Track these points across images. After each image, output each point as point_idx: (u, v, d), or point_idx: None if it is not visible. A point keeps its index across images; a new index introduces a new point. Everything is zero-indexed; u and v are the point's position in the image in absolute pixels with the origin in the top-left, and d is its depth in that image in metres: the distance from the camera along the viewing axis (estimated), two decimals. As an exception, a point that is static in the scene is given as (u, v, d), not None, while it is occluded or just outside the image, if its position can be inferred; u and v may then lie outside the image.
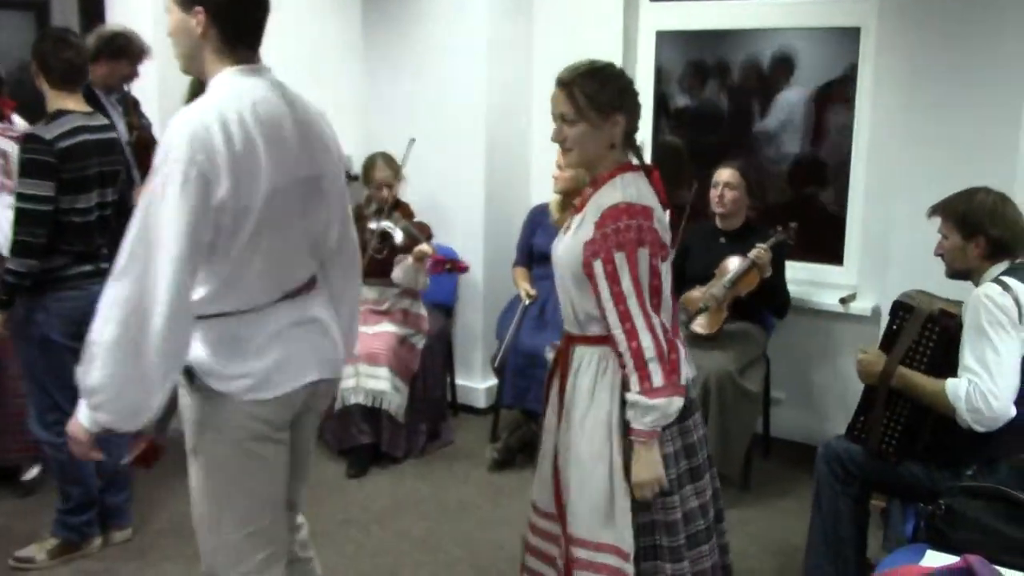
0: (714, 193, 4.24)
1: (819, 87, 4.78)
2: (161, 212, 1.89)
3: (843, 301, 4.32)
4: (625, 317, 2.25)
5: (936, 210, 2.97)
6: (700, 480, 2.49)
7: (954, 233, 2.89)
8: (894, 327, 2.96)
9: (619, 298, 2.26)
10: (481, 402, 5.01)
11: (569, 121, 2.38)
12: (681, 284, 4.29)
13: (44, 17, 7.32)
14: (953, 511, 2.49)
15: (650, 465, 2.32)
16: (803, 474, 4.10)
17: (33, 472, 4.02)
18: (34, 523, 3.66)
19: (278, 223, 2.07)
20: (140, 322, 1.89)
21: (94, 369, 1.92)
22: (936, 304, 2.92)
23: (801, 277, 4.49)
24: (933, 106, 4.02)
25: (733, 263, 4.13)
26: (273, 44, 5.46)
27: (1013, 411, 2.67)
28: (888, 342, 2.97)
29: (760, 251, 4.04)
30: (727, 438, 3.92)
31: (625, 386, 2.31)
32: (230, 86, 2.03)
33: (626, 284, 2.24)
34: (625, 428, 2.34)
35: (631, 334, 2.25)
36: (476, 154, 4.86)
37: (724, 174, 4.23)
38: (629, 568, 2.36)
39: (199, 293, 2.04)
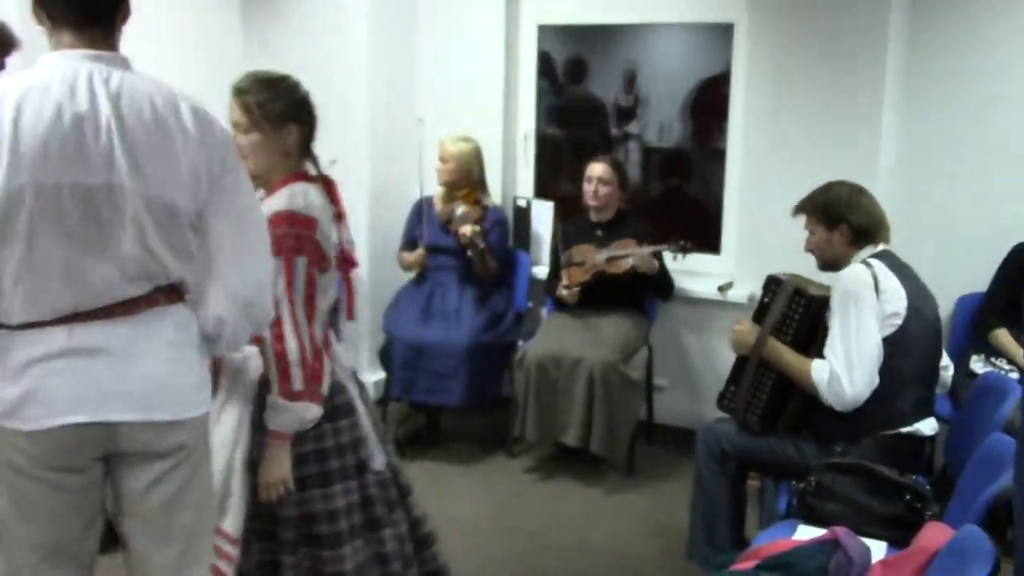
0: (588, 188, 4.37)
1: (698, 83, 4.92)
2: None
3: (721, 289, 4.47)
4: (275, 322, 2.24)
5: (800, 208, 3.12)
6: (363, 476, 2.56)
7: (819, 226, 3.05)
8: (765, 300, 3.13)
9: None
10: (369, 395, 4.99)
11: (243, 130, 2.41)
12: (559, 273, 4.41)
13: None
14: (822, 486, 2.63)
15: (278, 465, 2.36)
16: (685, 458, 4.21)
17: None
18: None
19: (35, 229, 1.82)
20: None
21: None
22: (807, 285, 3.07)
23: (681, 266, 4.61)
24: (799, 105, 4.22)
25: (631, 246, 4.24)
26: (150, 52, 5.28)
27: (867, 394, 2.83)
28: (760, 314, 3.13)
29: (646, 259, 4.17)
30: (613, 425, 4.02)
31: (267, 386, 2.34)
32: (30, 71, 1.86)
33: (279, 289, 2.25)
34: (258, 426, 2.39)
35: (278, 337, 2.25)
36: (360, 149, 4.83)
37: (597, 169, 4.36)
38: (235, 552, 2.40)
39: None
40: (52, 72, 1.84)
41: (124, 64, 1.92)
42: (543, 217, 4.87)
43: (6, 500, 1.95)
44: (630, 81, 5.57)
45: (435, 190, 4.61)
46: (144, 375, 1.93)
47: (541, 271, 4.71)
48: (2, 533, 1.97)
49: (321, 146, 4.75)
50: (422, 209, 4.60)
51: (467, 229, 4.27)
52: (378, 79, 4.86)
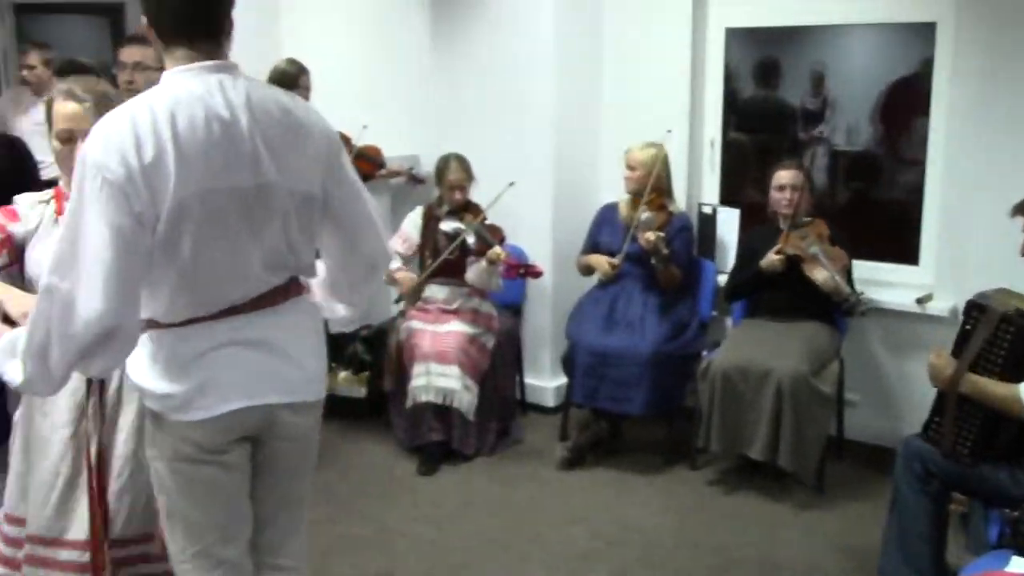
0: (779, 195, 4.24)
1: (889, 84, 4.70)
2: (83, 218, 1.84)
3: (920, 301, 4.25)
4: None
5: (1018, 209, 2.92)
6: None
7: None
8: (967, 327, 2.91)
9: None
10: (550, 401, 5.02)
11: None
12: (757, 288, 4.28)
13: (119, 21, 7.52)
14: (1041, 517, 2.45)
15: None
16: (877, 476, 4.05)
17: None
18: None
19: (200, 234, 1.93)
20: (62, 328, 1.85)
21: (16, 368, 1.95)
22: (1013, 303, 2.86)
23: (874, 276, 4.42)
24: (1010, 106, 3.96)
25: (840, 257, 4.16)
26: (344, 46, 5.53)
27: None
28: (960, 344, 2.91)
29: (835, 287, 4.05)
30: (801, 440, 3.88)
31: None
32: (162, 88, 1.94)
33: None
34: None
35: None
36: (545, 154, 4.87)
37: (787, 176, 4.23)
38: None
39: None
40: (186, 86, 1.93)
41: (240, 72, 2.03)
42: (729, 224, 4.77)
43: (176, 490, 2.10)
44: (818, 83, 5.41)
45: (621, 197, 4.59)
46: (296, 362, 2.14)
47: (726, 279, 4.61)
48: (174, 521, 2.14)
49: (504, 152, 4.87)
50: (607, 215, 4.58)
51: (650, 235, 4.22)
52: (564, 84, 4.87)
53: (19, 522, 2.52)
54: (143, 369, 2.06)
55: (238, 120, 1.94)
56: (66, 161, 2.37)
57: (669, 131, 4.48)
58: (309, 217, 2.10)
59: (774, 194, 4.28)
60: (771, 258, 4.16)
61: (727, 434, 4.01)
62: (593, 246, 4.63)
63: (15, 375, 1.94)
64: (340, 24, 5.75)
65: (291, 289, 2.14)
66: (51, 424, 2.46)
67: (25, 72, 5.11)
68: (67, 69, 4.13)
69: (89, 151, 1.85)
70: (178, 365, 2.02)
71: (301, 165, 2.04)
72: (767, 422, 3.89)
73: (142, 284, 1.93)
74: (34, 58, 5.10)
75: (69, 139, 2.39)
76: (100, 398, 2.40)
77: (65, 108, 2.40)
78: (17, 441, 2.54)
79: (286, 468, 2.24)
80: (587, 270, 4.62)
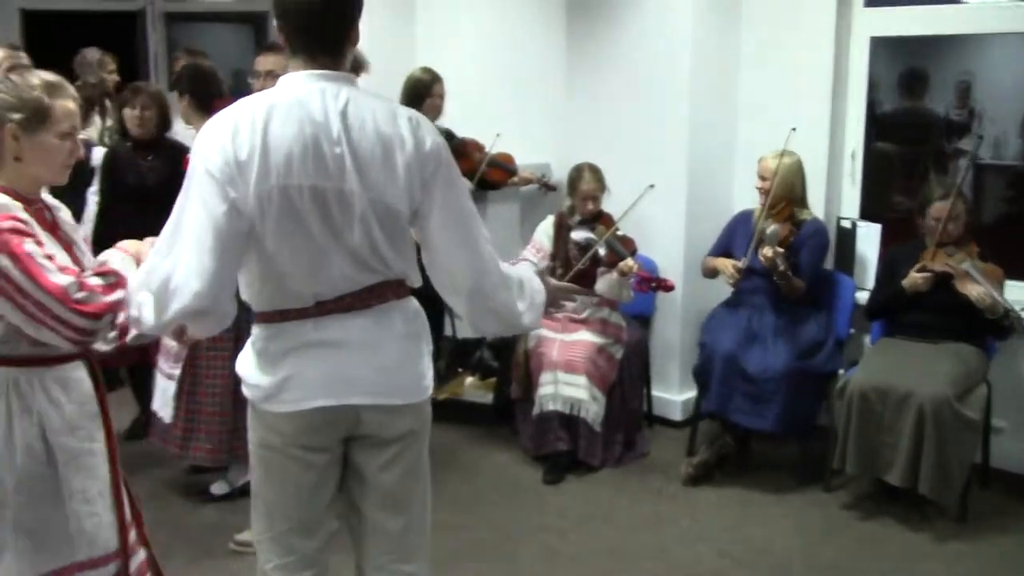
0: (934, 226, 4.03)
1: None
2: (187, 203, 2.02)
3: (1077, 325, 4.02)
4: None
5: None
6: None
7: None
8: None
9: None
10: (677, 415, 4.95)
11: None
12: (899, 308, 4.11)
13: (262, 30, 7.77)
14: None
15: None
16: (1026, 509, 3.86)
17: (223, 487, 4.04)
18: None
19: (280, 228, 2.04)
20: (158, 305, 2.02)
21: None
22: None
23: (1021, 297, 4.20)
24: None
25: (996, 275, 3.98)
26: (478, 53, 5.58)
27: None
28: None
29: (992, 304, 3.85)
30: (944, 466, 3.70)
31: None
32: (271, 90, 2.09)
33: None
34: None
35: None
36: (678, 164, 4.80)
37: (941, 209, 4.01)
38: None
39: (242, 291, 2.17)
40: (292, 90, 2.06)
41: (349, 81, 2.11)
42: (869, 239, 4.60)
43: (259, 475, 2.25)
44: (964, 94, 5.21)
45: (755, 205, 4.48)
46: (380, 364, 2.16)
47: (865, 296, 4.44)
48: (257, 503, 2.27)
49: (637, 162, 4.82)
50: (741, 222, 4.49)
51: (767, 251, 4.08)
52: (699, 92, 4.79)
53: None
54: (243, 358, 2.22)
55: (329, 126, 2.03)
56: None
57: (793, 129, 4.33)
58: (394, 228, 2.11)
59: (930, 223, 4.08)
60: (915, 277, 3.99)
61: (864, 457, 3.87)
62: (723, 250, 4.54)
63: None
64: (475, 33, 5.81)
65: (386, 291, 2.17)
66: None
67: (257, 80, 5.31)
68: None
69: (197, 143, 2.05)
70: (268, 358, 2.15)
71: (386, 179, 2.07)
72: (907, 446, 3.74)
73: (237, 270, 2.08)
74: (270, 62, 5.28)
75: None
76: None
77: None
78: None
79: (385, 471, 2.25)
80: (711, 272, 4.52)
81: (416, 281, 2.25)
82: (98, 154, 4.66)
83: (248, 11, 7.75)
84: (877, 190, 4.85)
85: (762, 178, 4.35)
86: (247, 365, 2.20)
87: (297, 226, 2.04)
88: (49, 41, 5.61)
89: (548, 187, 5.28)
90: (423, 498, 2.34)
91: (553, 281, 2.49)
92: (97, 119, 5.56)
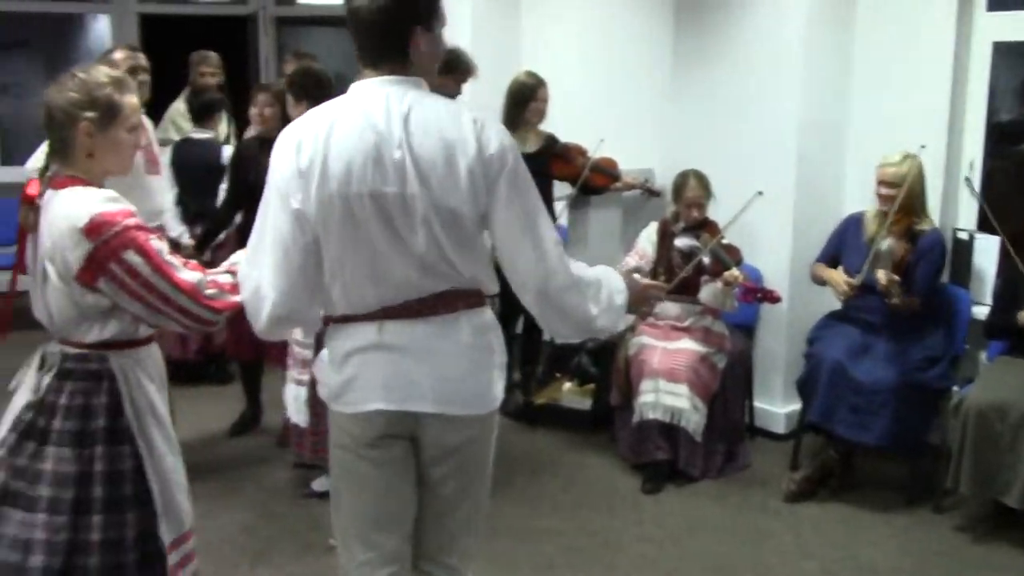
0: None
1: None
2: (265, 213, 2.13)
3: None
4: None
5: None
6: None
7: None
8: None
9: None
10: (780, 427, 4.83)
11: None
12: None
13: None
14: None
15: None
16: None
17: (324, 484, 4.01)
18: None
19: (343, 234, 2.08)
20: (251, 311, 2.19)
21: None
22: None
23: None
24: None
25: None
26: (583, 56, 5.56)
27: None
28: None
29: None
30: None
31: None
32: (340, 98, 2.15)
33: None
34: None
35: None
36: (786, 169, 4.69)
37: None
38: None
39: None
40: (358, 97, 2.11)
41: (416, 85, 2.12)
42: (987, 253, 4.42)
43: (337, 474, 2.31)
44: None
45: (869, 210, 4.32)
46: (442, 373, 2.15)
47: (982, 311, 4.27)
48: (337, 501, 2.32)
49: (743, 169, 4.72)
50: (850, 227, 4.34)
51: (883, 277, 3.92)
52: (810, 97, 4.68)
53: None
54: (319, 358, 2.29)
55: (391, 131, 2.04)
56: None
57: (923, 147, 4.19)
58: (461, 232, 2.10)
59: None
60: None
61: (980, 477, 3.71)
62: (832, 256, 4.40)
63: None
64: (580, 35, 5.79)
65: (456, 300, 2.16)
66: None
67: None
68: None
69: (272, 155, 2.13)
70: (336, 359, 2.20)
71: (449, 182, 2.06)
72: None
73: (311, 278, 2.14)
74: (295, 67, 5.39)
75: None
76: None
77: None
78: None
79: (442, 479, 2.27)
80: (821, 281, 4.38)
81: (491, 288, 2.24)
82: (227, 152, 4.79)
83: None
84: (996, 201, 4.65)
85: (888, 185, 4.13)
86: (320, 365, 2.27)
87: (358, 232, 2.07)
88: (165, 44, 5.77)
89: (652, 192, 5.23)
90: (478, 500, 2.35)
91: (639, 279, 2.45)
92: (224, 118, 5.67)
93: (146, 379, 2.36)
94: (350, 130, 2.05)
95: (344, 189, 2.04)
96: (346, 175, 2.04)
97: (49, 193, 2.26)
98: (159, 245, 2.22)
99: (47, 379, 2.31)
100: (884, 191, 4.14)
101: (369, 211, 2.05)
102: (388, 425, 2.19)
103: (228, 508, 3.95)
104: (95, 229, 2.14)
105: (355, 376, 2.17)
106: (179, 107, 5.80)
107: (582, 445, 4.71)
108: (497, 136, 2.10)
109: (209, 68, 5.69)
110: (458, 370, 2.17)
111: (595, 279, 2.24)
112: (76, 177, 2.26)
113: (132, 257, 2.16)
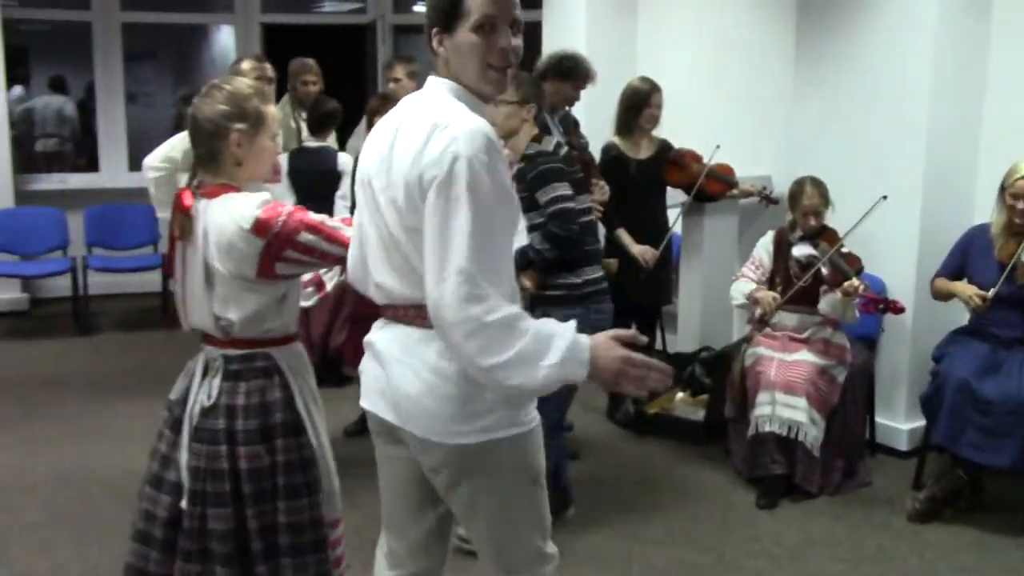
0: None
1: None
2: None
3: None
4: None
5: None
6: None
7: None
8: None
9: None
10: (903, 444, 4.66)
11: None
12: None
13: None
14: None
15: None
16: None
17: None
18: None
19: (366, 221, 2.11)
20: None
21: None
22: None
23: None
24: None
25: None
26: (699, 61, 5.48)
27: None
28: None
29: None
30: None
31: None
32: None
33: None
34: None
35: None
36: (912, 175, 4.50)
37: None
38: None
39: None
40: (413, 96, 2.12)
41: (450, 90, 2.03)
42: None
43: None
44: None
45: (996, 222, 4.11)
46: (401, 386, 2.04)
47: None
48: None
49: (866, 175, 4.56)
50: (977, 239, 4.13)
51: None
52: (939, 100, 4.48)
53: None
54: None
55: (395, 128, 2.03)
56: None
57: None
58: (408, 236, 1.98)
59: None
60: None
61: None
62: (955, 270, 4.19)
63: None
64: (698, 40, 5.72)
65: (421, 314, 1.98)
66: None
67: (391, 84, 5.49)
68: None
69: None
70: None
71: (399, 184, 1.97)
72: None
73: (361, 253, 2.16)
74: (399, 71, 5.46)
75: None
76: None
77: None
78: None
79: (453, 505, 2.14)
80: (945, 296, 4.19)
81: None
82: (343, 159, 4.89)
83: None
84: None
85: (1017, 196, 3.90)
86: None
87: (368, 225, 2.10)
88: (288, 53, 5.91)
89: (770, 200, 5.12)
90: (503, 543, 2.13)
91: (621, 352, 1.91)
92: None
93: (305, 371, 2.54)
94: (383, 126, 2.10)
95: (366, 176, 2.09)
96: (370, 164, 2.08)
97: (203, 203, 2.39)
98: (321, 216, 2.38)
99: (216, 382, 2.46)
100: (1017, 203, 3.90)
101: (372, 204, 2.07)
102: (375, 424, 2.20)
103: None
104: (263, 227, 2.30)
105: (363, 369, 2.21)
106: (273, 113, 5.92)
107: (694, 457, 4.63)
108: (445, 142, 1.88)
109: (312, 77, 5.77)
110: (416, 389, 2.02)
111: (520, 329, 1.86)
112: (227, 185, 2.42)
113: (305, 237, 2.32)
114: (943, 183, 4.56)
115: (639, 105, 4.73)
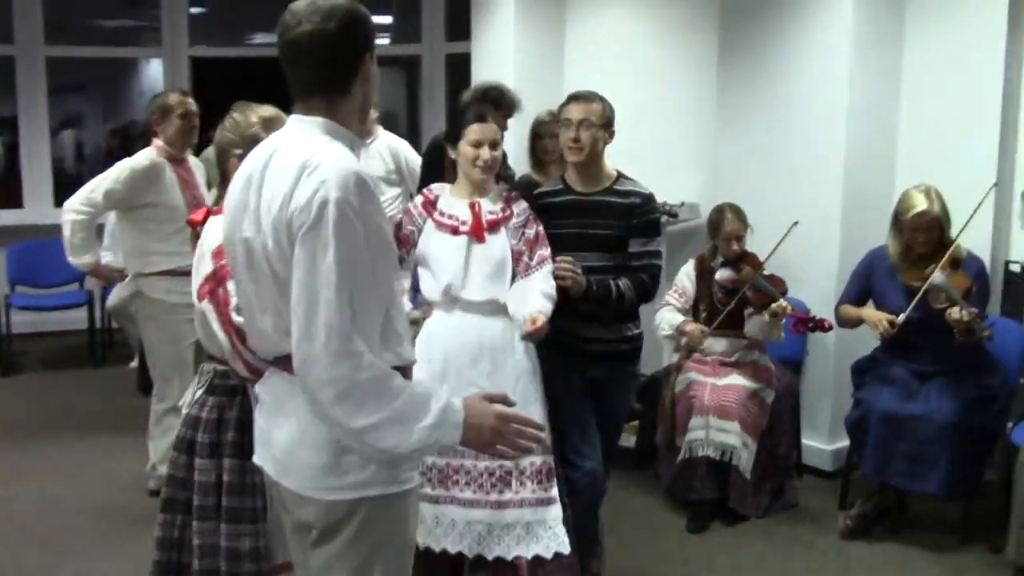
0: None
1: None
2: None
3: None
4: None
5: None
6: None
7: None
8: None
9: None
10: (828, 465, 4.73)
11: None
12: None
13: (415, 74, 7.99)
14: None
15: None
16: None
17: None
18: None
19: (235, 278, 2.04)
20: None
21: None
22: None
23: None
24: None
25: None
26: (628, 91, 5.53)
27: None
28: None
29: None
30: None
31: None
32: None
33: None
34: None
35: None
36: (832, 199, 4.62)
37: None
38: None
39: None
40: (274, 135, 1.99)
41: (322, 127, 1.88)
42: (1041, 284, 4.33)
43: None
44: None
45: (894, 249, 4.16)
46: (279, 438, 1.95)
47: (1036, 345, 4.16)
48: None
49: (788, 201, 4.65)
50: (878, 262, 4.20)
51: (962, 314, 3.71)
52: (856, 128, 4.62)
53: None
54: None
55: (260, 174, 1.88)
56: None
57: (995, 184, 4.04)
58: (280, 284, 1.85)
59: None
60: None
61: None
62: (859, 295, 4.26)
63: None
64: (624, 76, 5.77)
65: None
66: None
67: None
68: None
69: None
70: None
71: (269, 230, 1.82)
72: None
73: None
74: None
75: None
76: None
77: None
78: None
79: (315, 563, 1.96)
80: (852, 323, 4.24)
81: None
82: None
83: (403, 55, 7.97)
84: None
85: (926, 231, 3.96)
86: None
87: (238, 278, 2.00)
88: (218, 86, 5.88)
89: (669, 214, 5.04)
90: None
91: (495, 409, 1.87)
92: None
93: None
94: (243, 171, 1.95)
95: (228, 232, 1.96)
96: (229, 217, 1.96)
97: (211, 219, 2.59)
98: None
99: (199, 393, 2.67)
100: (923, 238, 3.97)
101: (240, 256, 1.92)
102: (269, 479, 2.06)
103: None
104: (219, 253, 2.42)
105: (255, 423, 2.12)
106: (211, 154, 5.87)
107: (626, 483, 4.64)
108: (315, 186, 1.75)
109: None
110: (293, 438, 1.91)
111: (390, 388, 1.77)
112: None
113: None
114: (861, 206, 4.68)
115: (534, 136, 4.60)
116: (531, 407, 3.12)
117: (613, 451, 3.64)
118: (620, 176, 3.48)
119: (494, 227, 3.24)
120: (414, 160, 5.23)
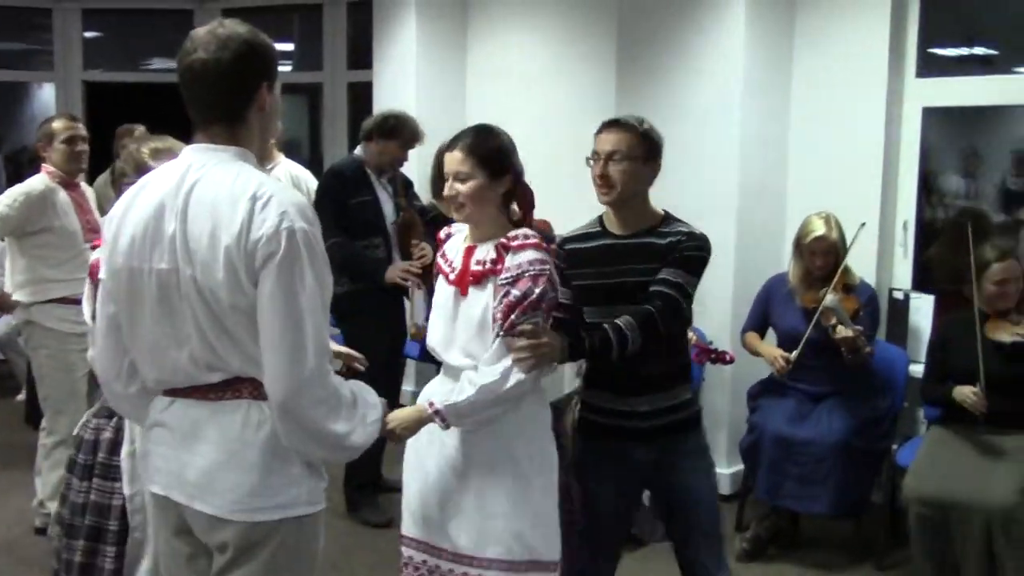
0: (993, 290, 3.79)
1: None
2: None
3: None
4: None
5: None
6: None
7: None
8: None
9: None
10: (725, 488, 4.82)
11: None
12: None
13: (316, 101, 7.94)
14: None
15: None
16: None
17: None
18: None
19: (128, 310, 1.97)
20: None
21: None
22: None
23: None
24: None
25: None
26: (534, 119, 5.57)
27: None
28: None
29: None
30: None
31: None
32: (163, 165, 2.04)
33: None
34: None
35: None
36: (725, 230, 4.74)
37: (1000, 271, 3.76)
38: None
39: None
40: (174, 164, 1.96)
41: (236, 156, 1.91)
42: (923, 311, 4.51)
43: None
44: (1020, 163, 5.16)
45: (794, 273, 4.34)
46: (196, 463, 1.94)
47: (918, 369, 4.32)
48: None
49: (688, 216, 4.70)
50: (777, 288, 4.36)
51: (845, 331, 3.88)
52: (748, 159, 4.76)
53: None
54: None
55: (176, 204, 1.87)
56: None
57: (863, 224, 4.20)
58: (224, 319, 1.86)
59: (990, 288, 3.79)
60: (965, 393, 3.63)
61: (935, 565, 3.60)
62: (760, 322, 4.41)
63: None
64: (524, 103, 5.85)
65: (239, 390, 1.94)
66: None
67: None
68: None
69: None
70: (142, 431, 2.14)
71: (211, 265, 1.84)
72: (976, 556, 3.45)
73: (116, 346, 2.07)
74: None
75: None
76: None
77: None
78: None
79: None
80: (755, 352, 4.39)
81: (258, 374, 1.94)
82: None
83: (303, 83, 7.91)
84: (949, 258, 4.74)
85: (824, 255, 4.14)
86: None
87: (142, 309, 1.95)
88: (113, 111, 5.75)
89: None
90: None
91: (402, 414, 2.40)
92: None
93: None
94: (148, 199, 1.92)
95: (129, 263, 1.93)
96: (130, 248, 1.92)
97: None
98: None
99: (88, 415, 2.83)
100: (821, 262, 4.14)
101: (152, 289, 1.91)
102: (164, 510, 2.05)
103: None
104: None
105: (147, 452, 2.08)
106: (105, 180, 5.74)
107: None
108: (276, 218, 1.81)
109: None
110: (214, 462, 1.92)
111: (351, 393, 1.98)
112: None
113: None
114: (754, 237, 4.83)
115: (438, 164, 4.53)
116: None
117: None
118: (667, 217, 2.97)
119: (480, 280, 2.57)
120: (314, 187, 5.19)
